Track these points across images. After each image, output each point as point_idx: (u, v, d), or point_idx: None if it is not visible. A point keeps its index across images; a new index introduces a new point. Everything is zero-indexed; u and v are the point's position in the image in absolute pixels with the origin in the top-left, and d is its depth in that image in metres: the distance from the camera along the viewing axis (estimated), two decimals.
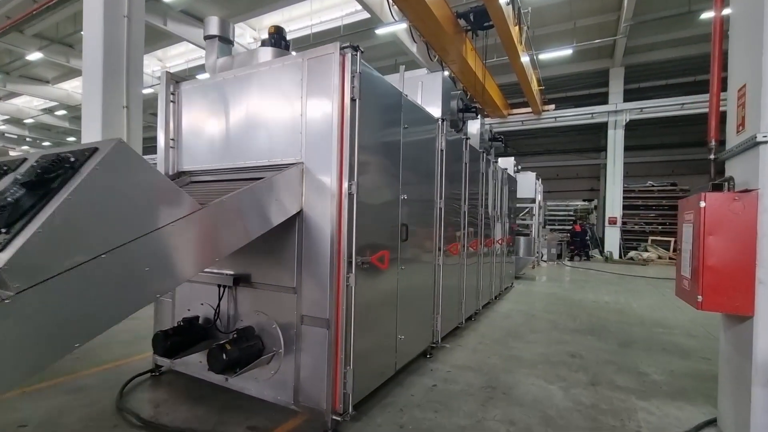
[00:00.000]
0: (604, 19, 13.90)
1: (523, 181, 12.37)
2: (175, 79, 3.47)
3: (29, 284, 1.40)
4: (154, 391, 3.26)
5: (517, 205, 11.44)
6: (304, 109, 2.77)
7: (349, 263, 2.68)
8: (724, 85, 2.82)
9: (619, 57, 16.21)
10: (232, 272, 3.07)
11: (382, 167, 3.20)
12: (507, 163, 9.85)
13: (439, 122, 4.30)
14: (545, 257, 15.05)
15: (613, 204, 17.29)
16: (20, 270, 1.37)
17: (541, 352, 4.54)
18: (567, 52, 14.20)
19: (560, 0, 12.82)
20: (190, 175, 3.43)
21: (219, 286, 3.05)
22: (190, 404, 3.03)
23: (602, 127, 17.99)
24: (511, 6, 10.31)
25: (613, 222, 17.19)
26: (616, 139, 17.14)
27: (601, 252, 17.62)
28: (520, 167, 11.65)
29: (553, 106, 18.04)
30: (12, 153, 24.03)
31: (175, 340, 2.94)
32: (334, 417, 2.64)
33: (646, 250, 17.16)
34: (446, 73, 11.35)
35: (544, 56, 14.53)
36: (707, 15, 11.69)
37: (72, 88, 20.45)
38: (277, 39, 3.32)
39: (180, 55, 16.92)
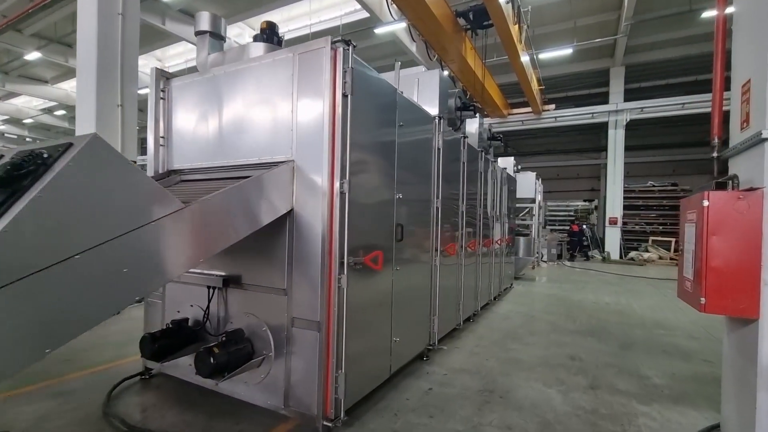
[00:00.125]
0: (604, 18, 13.82)
1: (523, 181, 12.28)
2: (165, 76, 3.40)
3: None
4: (143, 395, 3.19)
5: (517, 205, 11.37)
6: (294, 105, 2.70)
7: (341, 264, 2.60)
8: (727, 85, 2.75)
9: (619, 56, 16.14)
10: (221, 273, 2.99)
11: (376, 166, 3.12)
12: (507, 162, 9.76)
13: (436, 120, 4.22)
14: (545, 257, 14.96)
15: (614, 204, 17.20)
16: None
17: (539, 354, 4.46)
18: (567, 51, 14.10)
19: None
20: (181, 173, 3.36)
21: (208, 287, 2.98)
22: (179, 409, 2.95)
23: (603, 127, 17.89)
24: (510, 5, 10.24)
25: (613, 222, 17.10)
26: (616, 139, 17.05)
27: (601, 252, 17.55)
28: (519, 167, 11.56)
29: (553, 106, 17.96)
30: None
31: (163, 342, 2.86)
32: (325, 423, 2.56)
33: (647, 251, 17.06)
34: (446, 72, 11.33)
35: (544, 56, 14.44)
36: (708, 14, 11.61)
37: (71, 88, 20.40)
38: (270, 34, 3.24)
39: (179, 55, 16.85)
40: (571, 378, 3.78)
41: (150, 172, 3.41)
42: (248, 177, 2.55)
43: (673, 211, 17.80)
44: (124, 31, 6.24)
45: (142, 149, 6.82)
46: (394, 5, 9.44)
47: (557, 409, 3.14)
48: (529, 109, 17.70)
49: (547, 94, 18.21)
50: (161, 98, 3.38)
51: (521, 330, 5.48)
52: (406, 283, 3.63)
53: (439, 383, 3.56)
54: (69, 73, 18.45)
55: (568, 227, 18.58)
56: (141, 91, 6.72)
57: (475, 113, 5.62)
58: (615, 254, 16.89)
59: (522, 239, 12.31)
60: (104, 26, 6.04)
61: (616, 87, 17.15)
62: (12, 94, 21.87)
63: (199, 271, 3.08)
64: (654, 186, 18.71)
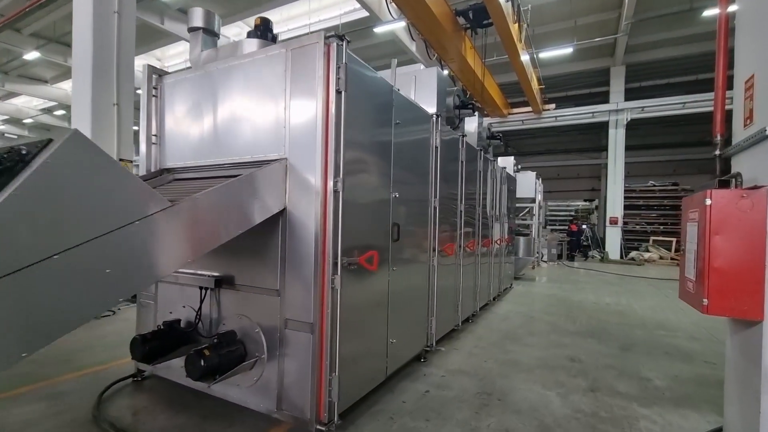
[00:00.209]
0: (604, 17, 13.74)
1: (523, 181, 12.22)
2: (158, 73, 3.35)
3: None
4: (135, 398, 3.13)
5: (517, 205, 11.30)
6: (287, 102, 2.64)
7: (335, 264, 2.54)
8: (729, 84, 2.68)
9: (620, 55, 16.06)
10: (214, 274, 2.93)
11: (372, 164, 3.06)
12: (506, 162, 9.70)
13: (434, 118, 4.16)
14: (545, 257, 14.89)
15: (615, 204, 17.12)
16: None
17: (539, 355, 4.40)
18: (567, 50, 14.03)
19: None
20: (174, 172, 3.30)
21: (200, 288, 2.92)
22: (171, 412, 2.90)
23: (603, 127, 17.82)
24: (510, 3, 10.17)
25: (614, 222, 17.03)
26: (617, 139, 16.98)
27: (600, 252, 17.48)
28: (519, 167, 11.50)
29: (553, 106, 17.88)
30: None
31: (154, 344, 2.81)
32: (318, 427, 2.50)
33: (648, 251, 16.99)
34: (445, 71, 11.27)
35: (544, 55, 14.36)
36: (709, 12, 11.53)
37: (70, 87, 20.32)
38: (264, 31, 3.18)
39: (179, 55, 16.80)
40: (571, 380, 3.72)
41: (142, 171, 3.36)
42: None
43: (674, 210, 17.73)
44: (120, 29, 6.18)
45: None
46: (393, 4, 9.37)
47: (556, 412, 3.08)
48: (529, 109, 17.63)
49: (547, 94, 18.13)
50: (153, 96, 3.33)
51: (520, 331, 5.42)
52: (402, 283, 3.57)
53: (436, 385, 3.51)
54: (68, 72, 18.34)
55: (566, 227, 18.51)
56: (139, 90, 6.65)
57: (473, 112, 5.56)
58: (616, 254, 16.80)
59: (522, 239, 12.24)
60: (100, 24, 5.98)
61: (617, 86, 17.07)
62: (12, 94, 21.85)
63: (191, 271, 3.03)
64: (655, 186, 18.63)
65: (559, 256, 16.09)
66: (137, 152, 3.81)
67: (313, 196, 2.51)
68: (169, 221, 1.87)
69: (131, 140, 6.44)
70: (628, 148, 17.14)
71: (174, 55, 17.00)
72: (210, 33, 3.35)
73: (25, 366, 3.66)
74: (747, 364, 2.41)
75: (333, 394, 2.54)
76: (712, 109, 2.74)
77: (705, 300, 2.29)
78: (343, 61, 2.52)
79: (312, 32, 2.59)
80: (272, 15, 13.26)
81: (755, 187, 2.24)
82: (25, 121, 25.72)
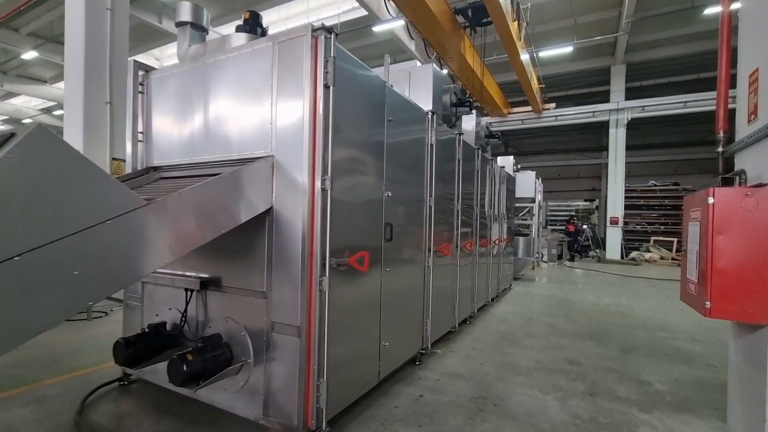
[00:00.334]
0: (605, 15, 13.64)
1: (523, 181, 12.12)
2: (144, 68, 3.26)
3: None
4: (120, 403, 3.05)
5: (517, 204, 11.21)
6: (274, 97, 2.55)
7: (323, 265, 2.46)
8: (732, 83, 2.60)
9: (620, 54, 15.95)
10: (200, 275, 2.85)
11: (363, 162, 2.97)
12: (506, 162, 9.61)
13: (429, 115, 4.07)
14: (545, 258, 14.79)
15: (615, 204, 17.01)
16: None
17: (537, 358, 4.31)
18: (567, 49, 13.93)
19: None
20: (161, 170, 3.21)
21: (186, 290, 2.83)
22: (156, 417, 2.81)
23: (603, 126, 17.70)
24: (509, 1, 10.08)
25: (614, 222, 16.92)
26: (617, 138, 16.86)
27: (599, 252, 17.38)
28: (519, 166, 11.40)
29: (553, 105, 17.77)
30: None
31: (138, 348, 2.72)
32: None
33: (648, 251, 16.88)
34: (445, 71, 11.18)
35: (544, 54, 14.27)
36: (710, 11, 11.43)
37: None
38: (252, 25, 3.09)
39: None
40: (570, 384, 3.63)
41: (129, 169, 3.28)
42: None
43: (675, 210, 17.62)
44: (113, 26, 6.10)
45: None
46: (391, 2, 9.29)
47: (554, 418, 2.98)
48: (529, 108, 17.52)
49: (547, 93, 18.03)
50: (140, 92, 3.24)
51: (519, 332, 5.33)
52: (396, 284, 3.48)
53: (430, 390, 3.41)
54: None
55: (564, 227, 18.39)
56: None
57: (471, 109, 5.47)
58: (617, 254, 16.69)
59: (522, 239, 12.15)
60: (92, 22, 5.91)
61: (617, 85, 16.95)
62: (11, 94, 21.79)
63: (177, 272, 2.94)
64: (655, 185, 18.51)
65: (559, 257, 15.99)
66: None
67: (301, 194, 2.42)
68: (144, 220, 1.79)
69: (124, 139, 6.35)
70: (628, 147, 17.03)
71: (173, 55, 16.92)
72: (198, 28, 3.26)
73: (11, 369, 3.59)
74: (751, 369, 2.32)
75: (321, 401, 2.44)
76: (713, 108, 2.65)
77: (708, 303, 2.20)
78: (332, 55, 2.43)
79: (299, 26, 2.49)
80: (271, 14, 13.21)
81: (760, 185, 2.15)
82: (24, 121, 25.66)
